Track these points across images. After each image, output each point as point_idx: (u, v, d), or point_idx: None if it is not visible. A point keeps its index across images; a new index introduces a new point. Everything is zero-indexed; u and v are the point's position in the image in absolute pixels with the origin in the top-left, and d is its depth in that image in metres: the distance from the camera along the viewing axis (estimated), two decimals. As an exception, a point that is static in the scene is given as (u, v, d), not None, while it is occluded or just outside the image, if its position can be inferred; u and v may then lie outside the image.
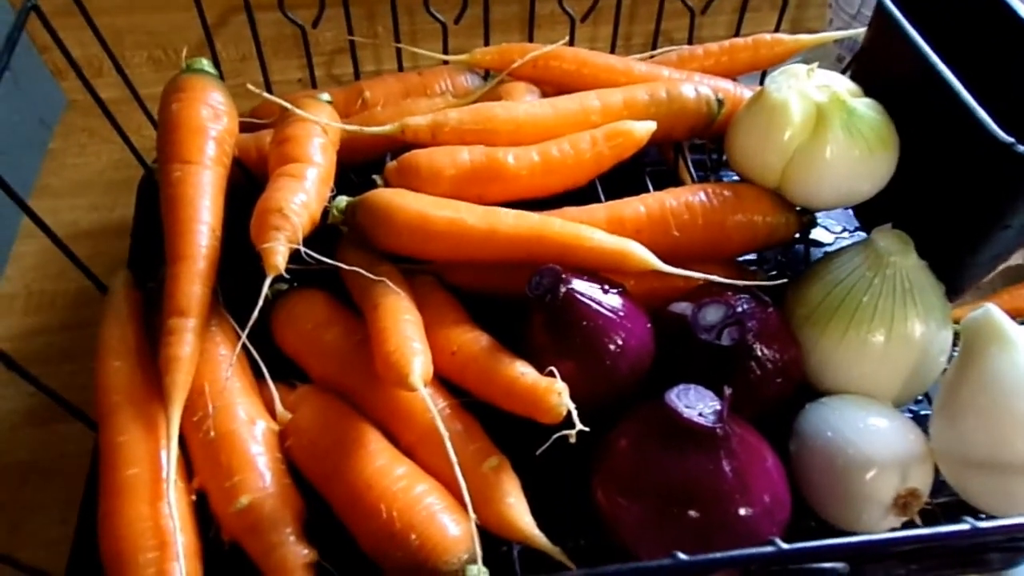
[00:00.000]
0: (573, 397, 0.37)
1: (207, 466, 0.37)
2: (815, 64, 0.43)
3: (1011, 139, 0.35)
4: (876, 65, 0.46)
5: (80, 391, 0.41)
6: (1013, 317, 0.81)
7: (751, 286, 0.41)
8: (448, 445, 0.33)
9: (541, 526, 0.36)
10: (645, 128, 0.46)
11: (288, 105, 0.45)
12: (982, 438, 0.33)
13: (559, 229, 0.42)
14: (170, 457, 0.35)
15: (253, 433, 0.38)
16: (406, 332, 0.38)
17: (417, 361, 0.36)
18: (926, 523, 0.37)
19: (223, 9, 0.69)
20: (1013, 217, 0.38)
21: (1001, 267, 0.50)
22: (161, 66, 0.72)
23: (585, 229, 0.42)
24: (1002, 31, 0.42)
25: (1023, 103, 0.39)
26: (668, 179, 0.53)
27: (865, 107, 0.42)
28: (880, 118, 0.42)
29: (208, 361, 0.39)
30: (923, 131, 0.42)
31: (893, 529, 0.36)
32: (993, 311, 0.34)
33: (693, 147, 0.56)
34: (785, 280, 0.44)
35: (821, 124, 0.42)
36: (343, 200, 0.44)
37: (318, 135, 0.45)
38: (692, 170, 0.54)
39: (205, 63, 0.47)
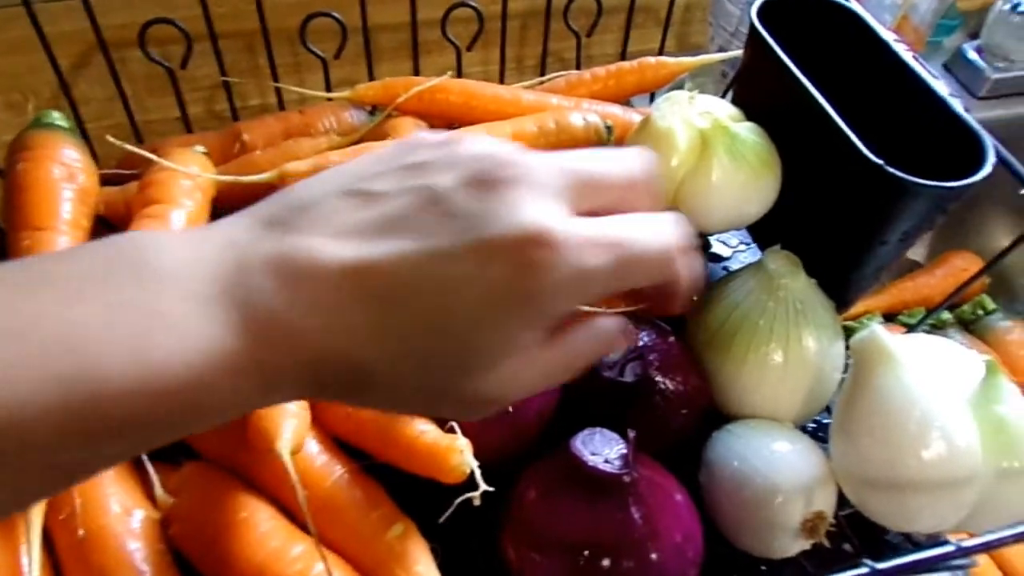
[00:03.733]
0: (479, 451, 0.35)
1: (78, 569, 0.33)
2: (695, 91, 0.44)
3: (880, 161, 0.36)
4: (754, 87, 0.47)
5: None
6: (899, 311, 0.85)
7: (651, 316, 0.41)
8: (308, 518, 0.30)
9: (454, 589, 0.34)
10: None
11: (152, 156, 0.42)
12: (877, 457, 0.34)
13: None
14: (32, 565, 0.31)
15: (129, 526, 0.34)
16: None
17: (287, 425, 0.33)
18: (832, 542, 0.37)
19: (85, 47, 0.64)
20: (890, 233, 0.39)
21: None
22: (21, 111, 0.66)
23: None
24: (871, 55, 0.44)
25: (894, 124, 0.41)
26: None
27: (746, 131, 0.43)
28: (761, 141, 0.43)
29: (73, 450, 0.35)
30: (802, 153, 0.43)
31: (805, 555, 0.37)
32: (878, 332, 0.35)
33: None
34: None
35: (706, 150, 0.42)
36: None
37: (184, 178, 0.42)
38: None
39: (56, 116, 0.43)
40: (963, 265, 0.79)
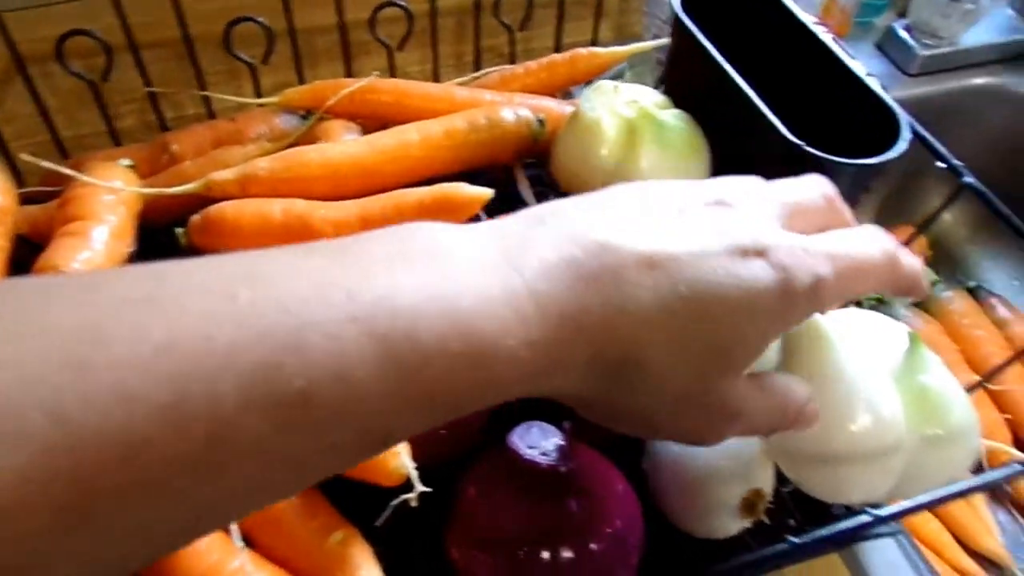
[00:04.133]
0: (417, 452, 0.35)
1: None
2: (620, 81, 0.44)
3: (800, 141, 0.37)
4: (681, 74, 0.47)
5: None
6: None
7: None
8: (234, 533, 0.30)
9: (399, 593, 0.34)
10: (474, 193, 0.44)
11: (71, 172, 0.41)
12: (809, 433, 0.34)
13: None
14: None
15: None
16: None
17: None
18: (775, 518, 0.38)
19: (9, 62, 0.62)
20: (816, 211, 0.40)
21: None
22: (-60, 132, 0.64)
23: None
24: (793, 39, 0.44)
25: (818, 106, 0.42)
26: (506, 202, 0.53)
27: (672, 118, 0.43)
28: (687, 127, 0.43)
29: None
30: (729, 137, 0.43)
31: (742, 537, 0.37)
32: (803, 309, 0.35)
33: (528, 164, 0.56)
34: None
35: (633, 138, 0.42)
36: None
37: (107, 192, 0.41)
38: (528, 189, 0.54)
39: (-32, 136, 0.42)
40: (905, 239, 0.81)
